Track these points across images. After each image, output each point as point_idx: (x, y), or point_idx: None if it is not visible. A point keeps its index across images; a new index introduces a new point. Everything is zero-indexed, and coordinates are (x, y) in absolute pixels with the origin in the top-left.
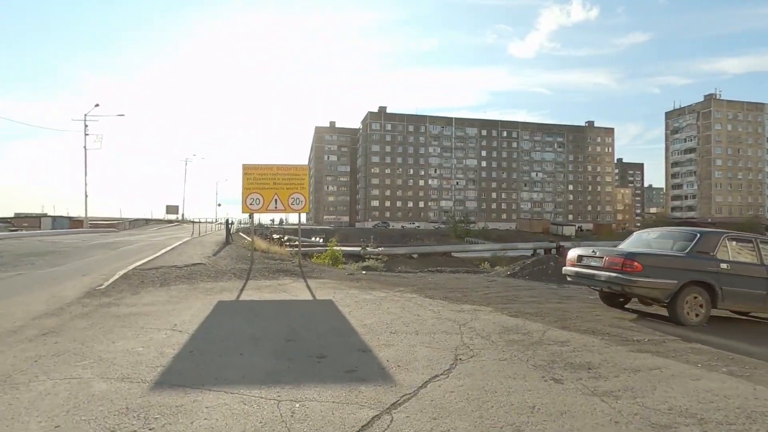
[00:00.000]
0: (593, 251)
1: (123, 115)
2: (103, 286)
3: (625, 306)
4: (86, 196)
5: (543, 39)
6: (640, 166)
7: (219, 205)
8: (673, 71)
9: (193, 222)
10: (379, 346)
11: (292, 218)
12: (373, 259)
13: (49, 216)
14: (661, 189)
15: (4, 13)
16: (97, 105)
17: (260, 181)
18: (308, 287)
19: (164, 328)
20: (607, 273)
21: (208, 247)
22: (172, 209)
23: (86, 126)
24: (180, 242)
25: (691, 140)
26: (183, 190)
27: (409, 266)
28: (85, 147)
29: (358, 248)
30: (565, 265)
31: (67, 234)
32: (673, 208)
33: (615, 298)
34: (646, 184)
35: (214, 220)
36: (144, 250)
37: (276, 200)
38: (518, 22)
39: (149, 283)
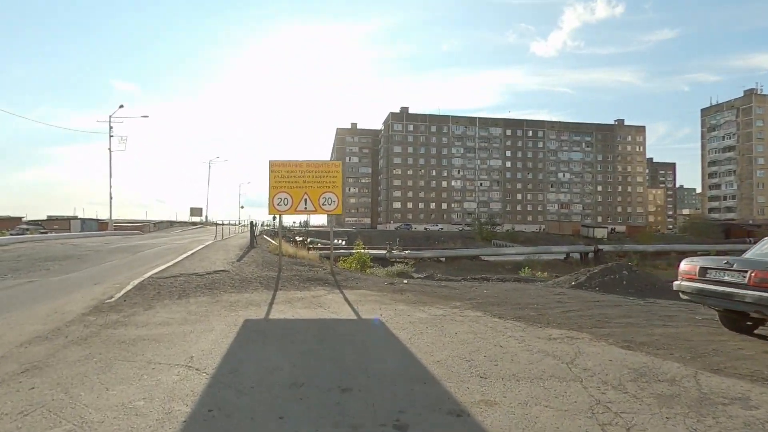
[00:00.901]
0: (727, 263)
1: (147, 116)
2: (113, 299)
3: (754, 331)
4: (111, 198)
5: (566, 37)
6: (671, 166)
7: (242, 207)
8: (704, 68)
9: (217, 224)
10: (476, 403)
11: (315, 220)
12: (400, 263)
13: (79, 218)
14: (693, 190)
15: (44, 24)
16: (121, 106)
17: (288, 180)
18: (347, 301)
19: (177, 364)
20: (759, 293)
21: (232, 251)
22: (195, 211)
23: (111, 128)
24: (202, 246)
25: (730, 138)
26: (206, 192)
27: (437, 270)
28: (109, 149)
29: (384, 251)
30: (678, 280)
31: (92, 237)
32: (711, 210)
33: (741, 320)
34: (677, 185)
35: (237, 223)
36: (164, 255)
37: (306, 200)
38: (541, 21)
39: (166, 294)
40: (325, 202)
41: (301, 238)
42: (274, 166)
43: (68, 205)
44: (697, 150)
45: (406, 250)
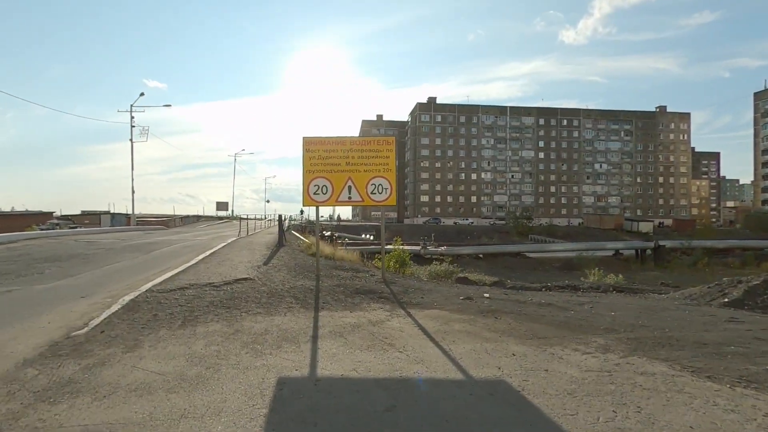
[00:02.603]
0: None
1: (170, 105)
2: (88, 327)
3: None
4: (132, 192)
5: (597, 24)
6: (715, 156)
7: (267, 201)
8: (747, 52)
9: (242, 219)
10: None
11: (342, 212)
12: (438, 259)
13: (110, 214)
14: (736, 181)
15: (80, 24)
16: (142, 94)
17: (328, 162)
18: (426, 333)
19: None
20: None
21: (258, 250)
22: (222, 206)
23: (132, 117)
24: (224, 243)
25: None
26: (232, 186)
27: (476, 268)
28: (131, 140)
29: (417, 247)
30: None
31: (112, 232)
32: (764, 201)
33: None
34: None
35: (263, 217)
36: (180, 255)
37: (350, 188)
38: (570, 8)
39: (164, 319)
40: (375, 190)
41: (329, 233)
42: (309, 144)
43: (104, 201)
44: (740, 139)
45: (442, 246)
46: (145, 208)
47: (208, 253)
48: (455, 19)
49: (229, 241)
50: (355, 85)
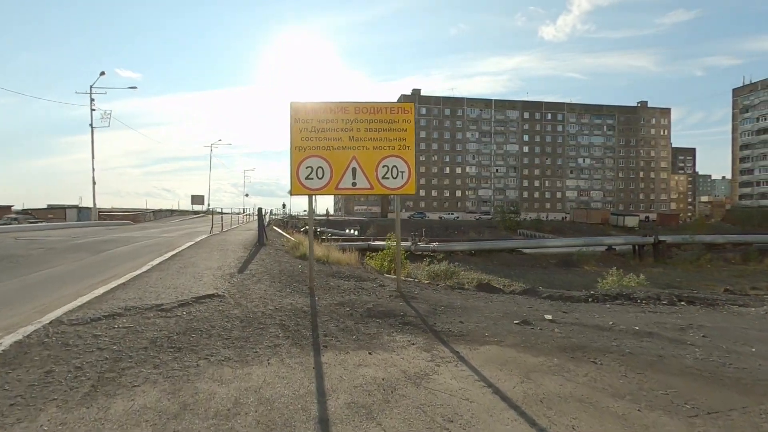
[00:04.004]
0: None
1: (135, 87)
2: None
3: None
4: (94, 183)
5: (576, 21)
6: (691, 151)
7: (246, 195)
8: (720, 51)
9: (218, 213)
10: None
11: (320, 204)
12: (430, 257)
13: (77, 207)
14: (709, 176)
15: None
16: (102, 74)
17: (325, 135)
18: (509, 403)
19: None
20: None
21: (232, 251)
22: (197, 200)
23: (92, 100)
24: (193, 242)
25: (766, 119)
26: (208, 179)
27: (471, 264)
28: (91, 125)
29: (407, 243)
30: None
31: (68, 228)
32: (742, 196)
33: None
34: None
35: (241, 211)
36: (136, 256)
37: (354, 170)
38: (549, 4)
39: (62, 381)
40: (388, 174)
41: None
42: (299, 112)
43: (74, 195)
44: (711, 136)
45: (433, 242)
46: (118, 201)
47: (169, 254)
48: (437, 12)
49: (200, 238)
50: (341, 77)
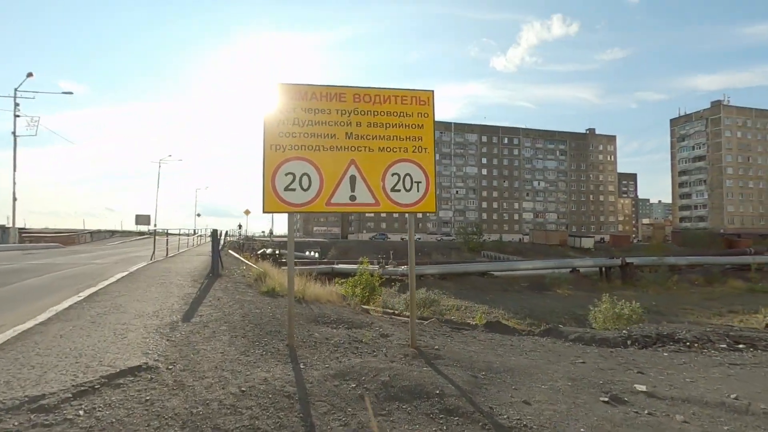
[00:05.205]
0: None
1: (71, 93)
2: None
3: None
4: (14, 199)
5: (524, 53)
6: (633, 177)
7: (198, 215)
8: (650, 87)
9: (157, 234)
10: None
11: (279, 224)
12: (398, 280)
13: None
14: (647, 200)
15: None
16: (30, 75)
17: (313, 130)
18: None
19: None
20: None
21: (177, 286)
22: (142, 219)
23: (17, 105)
24: (128, 272)
25: (700, 147)
26: (156, 197)
27: (446, 291)
28: (14, 133)
29: (375, 266)
30: None
31: None
32: (682, 219)
33: None
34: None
35: (193, 232)
36: (42, 295)
37: (353, 179)
38: (501, 36)
39: None
40: (399, 184)
41: (271, 251)
42: (277, 97)
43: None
44: (646, 163)
45: (402, 265)
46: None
47: (88, 292)
48: (396, 39)
49: (138, 267)
50: None
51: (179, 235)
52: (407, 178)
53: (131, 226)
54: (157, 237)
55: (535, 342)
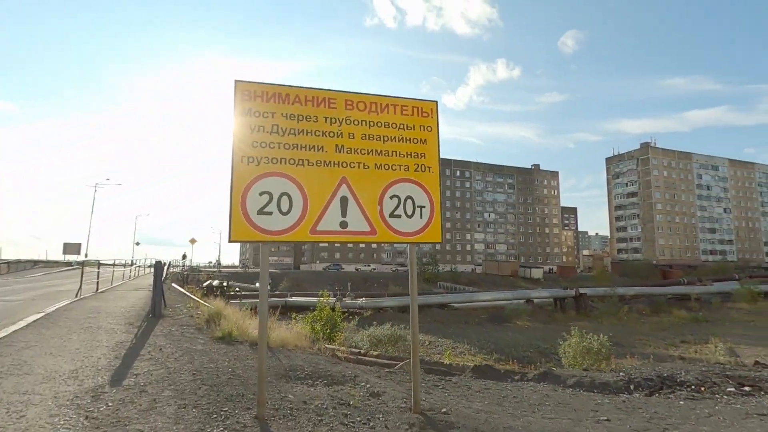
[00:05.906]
0: None
1: None
2: None
3: None
4: None
5: (472, 93)
6: (573, 210)
7: (137, 243)
8: (585, 128)
9: (85, 265)
10: None
11: (227, 253)
12: (357, 314)
13: None
14: (585, 233)
15: None
16: None
17: (295, 138)
18: None
19: None
20: None
21: (107, 331)
22: (72, 248)
23: None
24: (44, 313)
25: (633, 185)
26: (89, 223)
27: (404, 323)
28: None
29: (332, 299)
30: None
31: None
32: (619, 251)
33: None
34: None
35: (131, 263)
36: None
37: (344, 201)
38: (450, 76)
39: None
40: (399, 209)
41: (218, 282)
42: (251, 99)
43: None
44: (582, 199)
45: (361, 297)
46: None
47: None
48: (350, 72)
49: (59, 305)
50: None
51: (114, 266)
52: (408, 201)
53: (59, 255)
54: (87, 268)
55: (536, 391)
